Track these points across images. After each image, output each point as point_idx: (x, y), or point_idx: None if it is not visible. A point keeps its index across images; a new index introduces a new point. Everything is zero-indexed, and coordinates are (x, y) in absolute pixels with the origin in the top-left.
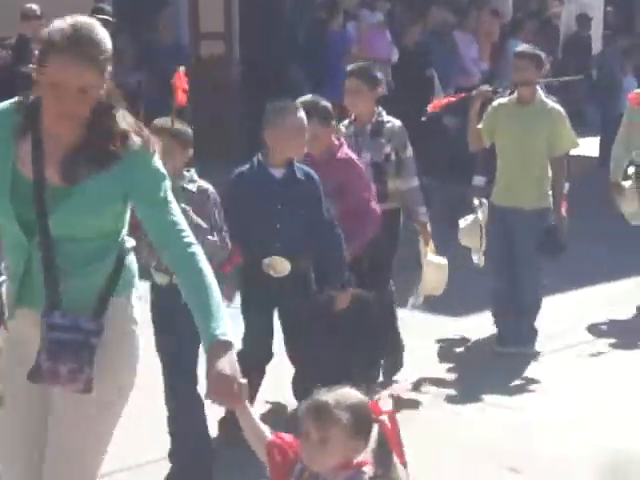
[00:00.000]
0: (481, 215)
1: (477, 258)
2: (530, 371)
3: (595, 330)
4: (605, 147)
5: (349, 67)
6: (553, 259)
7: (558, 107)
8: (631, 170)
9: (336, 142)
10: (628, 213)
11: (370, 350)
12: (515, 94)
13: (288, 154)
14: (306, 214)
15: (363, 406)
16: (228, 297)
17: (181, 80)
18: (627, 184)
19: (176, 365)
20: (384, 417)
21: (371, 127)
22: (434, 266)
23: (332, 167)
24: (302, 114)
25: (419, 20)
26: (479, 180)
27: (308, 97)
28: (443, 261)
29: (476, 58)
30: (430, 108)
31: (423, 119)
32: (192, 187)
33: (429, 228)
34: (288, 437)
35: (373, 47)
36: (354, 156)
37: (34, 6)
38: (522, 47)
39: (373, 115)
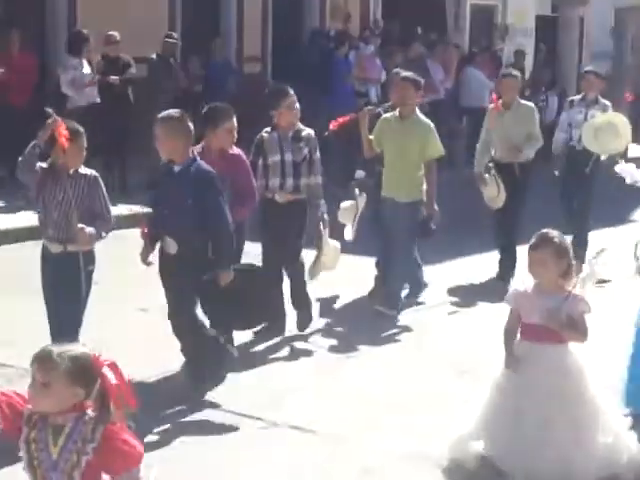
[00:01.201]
0: (359, 201)
1: (349, 234)
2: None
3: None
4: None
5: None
6: (425, 240)
7: (429, 122)
8: (490, 164)
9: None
10: (488, 198)
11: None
12: (397, 111)
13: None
14: (194, 203)
15: (84, 358)
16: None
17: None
18: (487, 175)
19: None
20: (105, 369)
21: (292, 134)
22: (330, 248)
23: (226, 161)
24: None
25: (401, 51)
26: (360, 174)
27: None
28: (337, 244)
29: (442, 79)
30: (332, 127)
31: (326, 134)
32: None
33: (326, 217)
34: (13, 393)
35: (368, 70)
36: (241, 152)
37: (115, 33)
38: (405, 73)
39: (294, 125)
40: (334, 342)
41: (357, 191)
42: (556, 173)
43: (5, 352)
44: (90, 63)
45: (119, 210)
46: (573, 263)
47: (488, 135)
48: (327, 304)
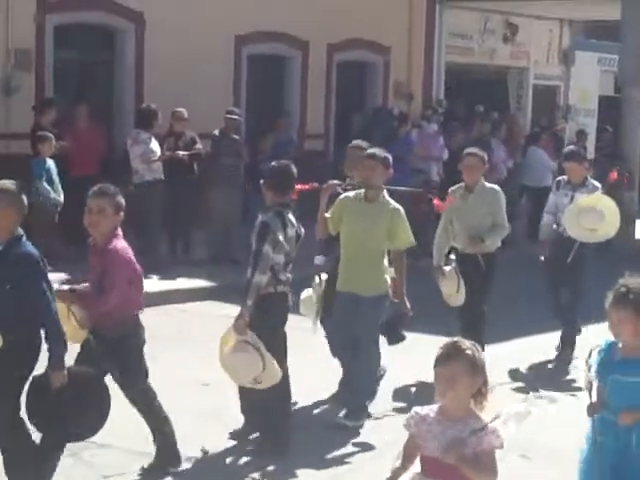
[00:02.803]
0: (318, 290)
1: (312, 326)
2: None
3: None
4: None
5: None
6: (393, 345)
7: (398, 207)
8: (452, 256)
9: (117, 232)
10: (446, 294)
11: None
12: (362, 190)
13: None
14: (16, 291)
15: None
16: None
17: None
18: (447, 268)
19: None
20: None
21: None
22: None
23: (102, 253)
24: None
25: (463, 130)
26: (320, 260)
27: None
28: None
29: (504, 158)
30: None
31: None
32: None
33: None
34: None
35: (430, 148)
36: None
37: (183, 110)
38: (374, 149)
39: None
40: None
41: (317, 279)
42: (542, 259)
43: None
44: (157, 138)
45: (184, 284)
46: (489, 384)
47: (448, 222)
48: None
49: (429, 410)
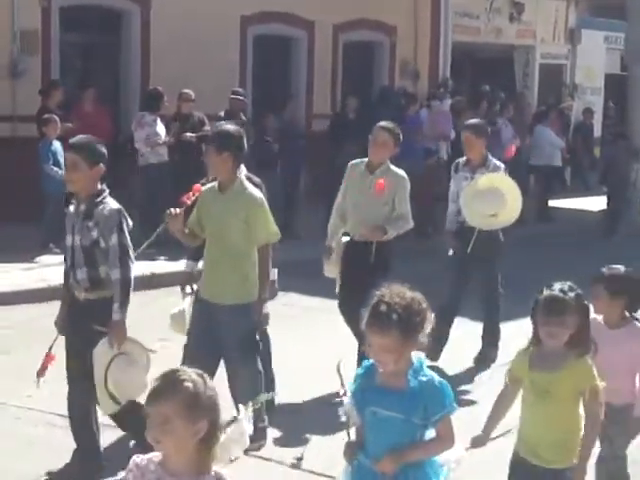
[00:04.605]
0: (188, 303)
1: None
2: None
3: None
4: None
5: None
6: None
7: (256, 193)
8: (345, 239)
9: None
10: (327, 273)
11: None
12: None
13: None
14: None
15: None
16: None
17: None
18: (333, 254)
19: None
20: None
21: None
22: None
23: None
24: None
25: (470, 109)
26: (190, 265)
27: None
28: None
29: (511, 137)
30: (185, 199)
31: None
32: None
33: None
34: None
35: (441, 127)
36: None
37: (189, 91)
38: (221, 129)
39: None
40: None
41: (188, 289)
42: (450, 253)
43: None
44: (162, 119)
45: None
46: (221, 424)
47: (344, 201)
48: None
49: (149, 461)
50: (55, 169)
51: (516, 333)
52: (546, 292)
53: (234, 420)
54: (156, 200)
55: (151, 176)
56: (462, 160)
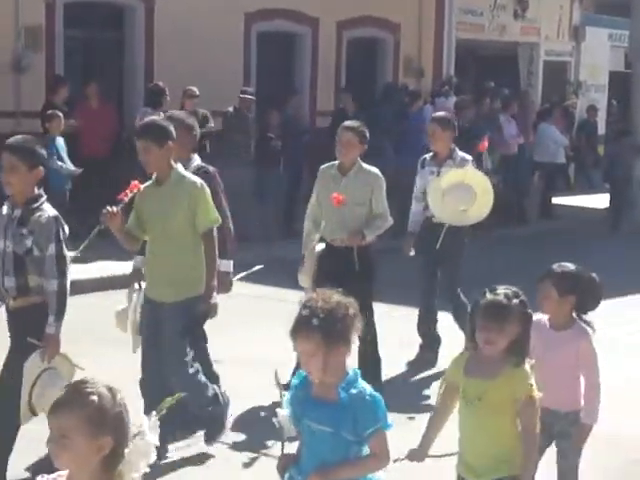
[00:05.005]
0: (134, 298)
1: (133, 344)
2: None
3: None
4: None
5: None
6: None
7: (196, 180)
8: (320, 246)
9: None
10: (301, 282)
11: None
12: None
13: None
14: None
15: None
16: None
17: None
18: (310, 260)
19: None
20: None
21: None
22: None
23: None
24: None
25: (473, 106)
26: (139, 261)
27: None
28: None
29: (514, 134)
30: (122, 196)
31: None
32: None
33: None
34: None
35: None
36: None
37: (194, 88)
38: (148, 121)
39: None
40: None
41: (136, 285)
42: (411, 254)
43: None
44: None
45: None
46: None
47: (318, 206)
48: None
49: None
50: (60, 164)
51: None
52: (489, 296)
53: (139, 433)
54: None
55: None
56: (429, 155)
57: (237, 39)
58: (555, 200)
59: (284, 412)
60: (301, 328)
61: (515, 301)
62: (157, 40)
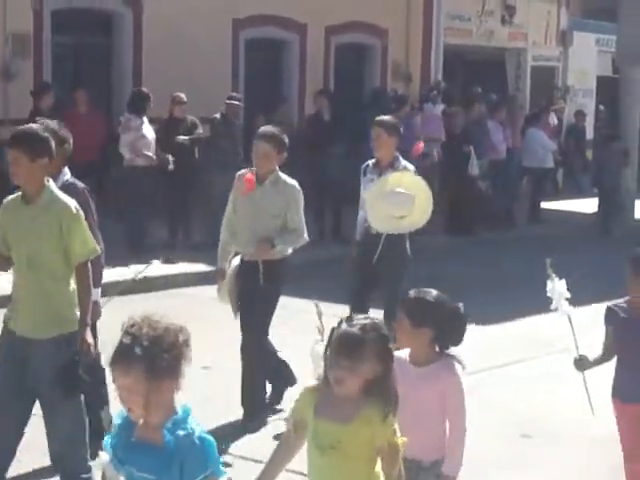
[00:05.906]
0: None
1: None
2: None
3: None
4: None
5: None
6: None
7: (70, 203)
8: (236, 262)
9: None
10: (220, 299)
11: None
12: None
13: None
14: None
15: None
16: None
17: None
18: (228, 274)
19: None
20: None
21: None
22: None
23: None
24: None
25: (462, 112)
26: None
27: None
28: None
29: (502, 139)
30: None
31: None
32: None
33: None
34: None
35: (432, 129)
36: None
37: (182, 94)
38: (20, 132)
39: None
40: None
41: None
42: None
43: None
44: (155, 123)
45: (185, 268)
46: None
47: (235, 215)
48: None
49: None
50: None
51: (507, 335)
52: (343, 326)
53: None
54: (138, 203)
55: (134, 178)
56: (371, 162)
57: (225, 45)
58: (544, 205)
59: (105, 457)
60: (120, 359)
61: (372, 334)
62: (145, 46)
